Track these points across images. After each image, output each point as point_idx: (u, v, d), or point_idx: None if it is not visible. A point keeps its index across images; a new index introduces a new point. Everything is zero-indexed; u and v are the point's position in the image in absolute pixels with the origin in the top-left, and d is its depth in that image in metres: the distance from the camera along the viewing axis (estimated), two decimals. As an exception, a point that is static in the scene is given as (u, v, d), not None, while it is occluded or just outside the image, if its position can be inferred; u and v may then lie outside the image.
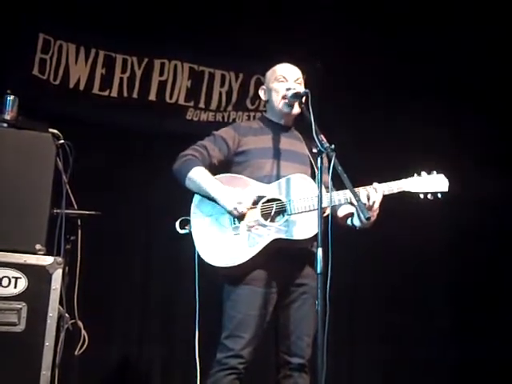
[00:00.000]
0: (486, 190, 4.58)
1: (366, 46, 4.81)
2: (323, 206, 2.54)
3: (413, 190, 2.85)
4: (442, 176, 2.89)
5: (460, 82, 4.88)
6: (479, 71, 4.83)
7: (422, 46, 4.85)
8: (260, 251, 2.76)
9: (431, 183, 2.86)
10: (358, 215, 2.81)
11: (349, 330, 4.73)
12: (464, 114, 4.88)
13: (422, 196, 2.85)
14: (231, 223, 2.81)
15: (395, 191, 2.84)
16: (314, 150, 2.64)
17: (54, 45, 4.41)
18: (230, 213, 2.79)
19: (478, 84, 4.85)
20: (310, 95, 2.74)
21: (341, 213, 2.95)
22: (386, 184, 2.83)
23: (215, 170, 2.94)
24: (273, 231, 2.79)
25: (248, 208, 2.79)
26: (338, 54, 4.72)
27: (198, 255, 2.79)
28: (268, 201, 2.84)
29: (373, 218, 2.75)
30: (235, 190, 2.81)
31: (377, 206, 2.77)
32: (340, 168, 2.54)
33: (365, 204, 2.68)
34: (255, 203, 2.82)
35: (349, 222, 2.92)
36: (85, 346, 3.18)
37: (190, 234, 2.83)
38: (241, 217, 2.79)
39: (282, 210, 2.82)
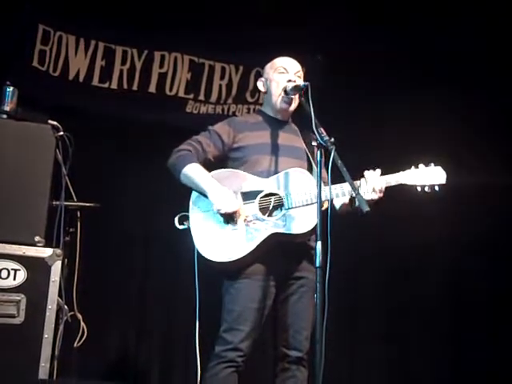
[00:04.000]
0: (489, 186, 4.58)
1: (367, 40, 4.78)
2: (322, 199, 2.53)
3: (410, 182, 2.83)
4: (439, 168, 2.87)
5: (461, 78, 4.86)
6: (481, 66, 4.82)
7: (423, 42, 4.83)
8: (258, 246, 2.76)
9: (428, 175, 2.84)
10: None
11: (349, 324, 4.73)
12: (465, 110, 4.85)
13: (419, 189, 2.83)
14: (225, 219, 2.80)
15: (393, 184, 2.83)
16: (314, 143, 2.63)
17: (54, 36, 4.39)
18: (217, 211, 2.79)
19: (478, 80, 4.84)
20: (309, 88, 2.73)
21: (337, 204, 2.95)
22: (383, 177, 2.82)
23: (211, 165, 2.94)
24: (270, 225, 2.79)
25: (235, 209, 2.78)
26: (339, 48, 4.71)
27: (197, 250, 2.79)
28: (266, 195, 2.84)
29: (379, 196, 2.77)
30: (226, 190, 2.81)
31: (380, 187, 2.76)
32: (340, 161, 2.52)
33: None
34: (249, 200, 2.82)
35: (351, 208, 2.88)
36: (84, 338, 3.18)
37: (188, 230, 2.83)
38: (227, 216, 2.79)
39: (279, 205, 2.82)
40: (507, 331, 4.67)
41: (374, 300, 4.82)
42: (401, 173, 2.86)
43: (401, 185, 2.84)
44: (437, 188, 2.83)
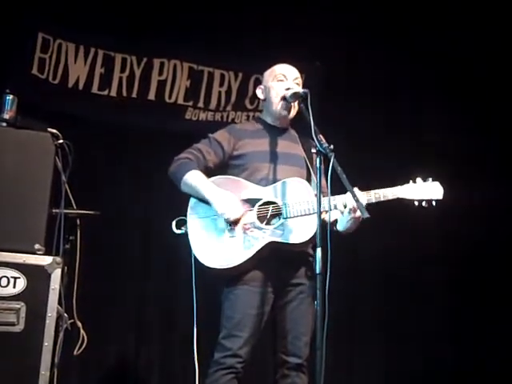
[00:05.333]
0: (487, 196, 4.59)
1: (366, 46, 4.80)
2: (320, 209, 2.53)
3: (407, 197, 2.85)
4: (437, 184, 2.88)
5: (462, 85, 4.87)
6: (481, 75, 4.83)
7: (423, 46, 4.85)
8: (255, 254, 2.77)
9: (426, 191, 2.85)
10: (346, 219, 2.79)
11: (348, 330, 4.72)
12: (465, 117, 4.86)
13: (416, 203, 2.85)
14: (227, 225, 2.82)
15: (390, 198, 2.84)
16: (313, 151, 2.64)
17: (53, 44, 4.40)
18: (221, 217, 2.80)
19: (479, 88, 4.85)
20: (309, 95, 2.74)
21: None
22: (381, 191, 2.83)
23: (211, 172, 2.95)
24: (268, 234, 2.79)
25: (240, 215, 2.79)
26: (338, 54, 4.72)
27: (194, 256, 2.80)
28: (264, 204, 2.85)
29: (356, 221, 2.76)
30: (230, 195, 2.82)
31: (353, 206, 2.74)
32: (339, 168, 2.53)
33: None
34: (249, 208, 2.83)
35: (335, 227, 2.90)
36: (84, 345, 3.17)
37: (186, 235, 2.83)
38: (232, 222, 2.80)
39: (277, 213, 2.83)
40: (507, 331, 4.67)
41: (373, 303, 4.82)
42: (398, 187, 2.87)
43: (398, 199, 2.84)
44: (434, 203, 2.84)
